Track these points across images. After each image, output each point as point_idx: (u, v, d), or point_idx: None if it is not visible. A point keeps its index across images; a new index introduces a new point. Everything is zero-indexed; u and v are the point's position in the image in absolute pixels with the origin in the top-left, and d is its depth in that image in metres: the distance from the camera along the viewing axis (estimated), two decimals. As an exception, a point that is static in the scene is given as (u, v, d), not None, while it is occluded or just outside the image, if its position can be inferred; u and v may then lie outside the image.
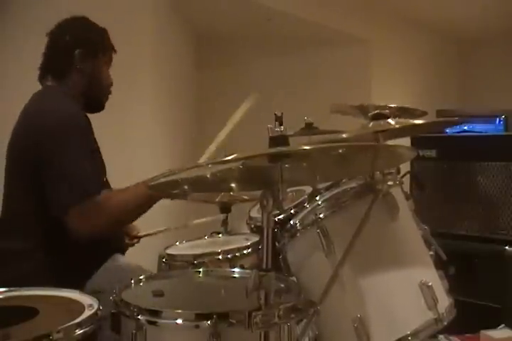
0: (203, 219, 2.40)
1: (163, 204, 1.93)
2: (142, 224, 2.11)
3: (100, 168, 1.92)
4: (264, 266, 1.15)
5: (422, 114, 1.87)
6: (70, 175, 1.68)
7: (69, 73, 1.91)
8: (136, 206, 1.75)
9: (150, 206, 1.76)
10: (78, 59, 1.90)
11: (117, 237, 2.02)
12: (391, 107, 1.73)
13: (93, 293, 1.54)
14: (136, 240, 2.17)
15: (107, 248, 1.86)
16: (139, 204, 1.75)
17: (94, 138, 1.87)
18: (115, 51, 2.02)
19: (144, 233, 2.20)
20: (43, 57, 1.94)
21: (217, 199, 2.44)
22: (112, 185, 2.00)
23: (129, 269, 1.81)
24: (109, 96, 2.01)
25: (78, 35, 1.93)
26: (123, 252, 2.00)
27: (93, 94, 1.96)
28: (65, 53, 1.90)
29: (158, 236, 2.31)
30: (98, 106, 2.00)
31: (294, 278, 1.56)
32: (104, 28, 2.00)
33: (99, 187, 1.74)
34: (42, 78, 1.94)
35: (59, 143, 1.69)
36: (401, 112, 1.75)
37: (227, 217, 2.48)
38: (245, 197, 2.44)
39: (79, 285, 1.64)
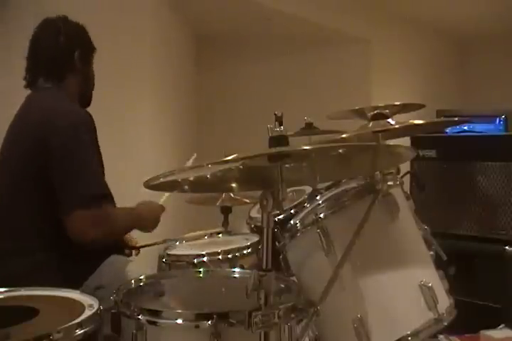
0: (202, 232, 2.39)
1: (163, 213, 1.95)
2: (140, 234, 2.09)
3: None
4: (264, 266, 1.15)
5: (419, 107, 1.86)
6: (80, 177, 1.69)
7: (68, 75, 1.90)
8: (131, 223, 1.86)
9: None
10: (78, 60, 1.90)
11: (116, 241, 2.00)
12: (389, 105, 1.72)
13: (96, 289, 1.56)
14: (136, 251, 2.17)
15: (107, 249, 1.86)
16: (133, 223, 1.87)
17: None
18: (95, 47, 2.02)
19: (142, 244, 2.19)
20: (32, 60, 1.91)
21: (217, 204, 2.45)
22: (111, 185, 2.00)
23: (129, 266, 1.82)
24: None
25: (73, 35, 1.91)
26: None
27: (87, 92, 1.99)
28: (64, 55, 1.89)
29: (158, 236, 2.30)
30: (89, 102, 2.01)
31: (294, 278, 1.57)
32: (83, 25, 1.98)
33: (105, 191, 1.75)
34: (34, 81, 1.90)
35: (72, 144, 1.69)
36: (399, 108, 1.74)
37: (227, 217, 2.49)
38: (246, 200, 2.44)
39: (80, 282, 1.66)
